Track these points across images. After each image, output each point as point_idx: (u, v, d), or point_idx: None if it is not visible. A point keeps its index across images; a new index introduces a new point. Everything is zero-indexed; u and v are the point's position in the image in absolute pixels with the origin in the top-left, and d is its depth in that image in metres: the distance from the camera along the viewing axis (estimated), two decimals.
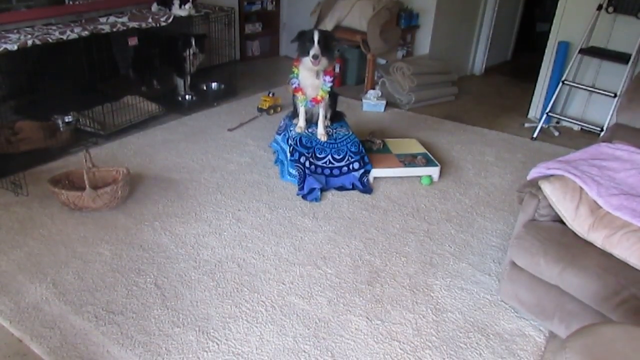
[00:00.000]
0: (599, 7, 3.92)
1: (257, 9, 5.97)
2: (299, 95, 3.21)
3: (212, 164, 3.46)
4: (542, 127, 4.20)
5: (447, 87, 5.06)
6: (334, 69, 3.16)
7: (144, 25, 3.89)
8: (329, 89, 3.19)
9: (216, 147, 3.70)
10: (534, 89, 4.66)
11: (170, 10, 4.20)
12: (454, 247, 2.68)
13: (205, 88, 4.73)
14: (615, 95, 3.84)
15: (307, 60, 3.04)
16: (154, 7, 4.29)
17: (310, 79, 3.13)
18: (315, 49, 2.96)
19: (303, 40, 3.05)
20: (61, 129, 3.59)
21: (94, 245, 2.58)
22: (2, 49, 3.06)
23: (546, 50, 4.47)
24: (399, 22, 4.95)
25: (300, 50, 3.06)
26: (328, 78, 3.15)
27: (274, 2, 6.09)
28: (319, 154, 3.19)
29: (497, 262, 2.58)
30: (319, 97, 3.19)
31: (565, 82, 4.13)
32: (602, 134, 3.77)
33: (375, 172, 3.28)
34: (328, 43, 3.03)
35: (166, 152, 3.62)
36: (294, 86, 3.22)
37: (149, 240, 2.64)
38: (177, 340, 2.02)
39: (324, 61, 3.05)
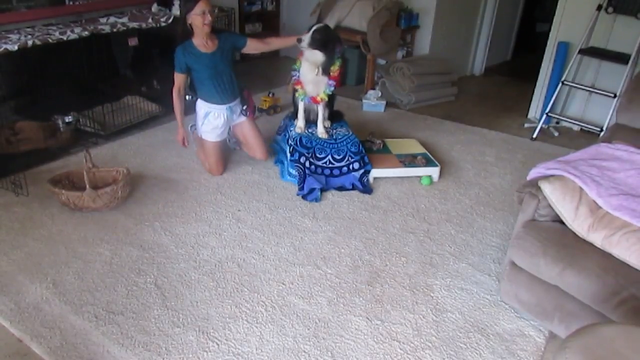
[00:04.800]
0: (599, 8, 3.92)
1: (257, 9, 5.97)
2: (299, 88, 3.22)
3: None
4: (542, 128, 4.20)
5: (447, 88, 5.06)
6: (339, 75, 3.17)
7: (144, 25, 3.89)
8: (330, 93, 3.20)
9: None
10: (534, 89, 4.66)
11: (170, 10, 4.21)
12: (454, 247, 2.68)
13: None
14: (615, 96, 3.83)
15: (304, 51, 3.05)
16: (154, 7, 4.29)
17: (310, 73, 3.14)
18: (304, 36, 2.98)
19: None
20: (61, 129, 3.59)
21: (94, 245, 2.58)
22: (2, 49, 3.06)
23: (546, 51, 4.47)
24: (399, 22, 4.95)
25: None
26: (331, 82, 3.17)
27: (274, 2, 6.09)
28: (319, 154, 3.19)
29: (497, 262, 2.58)
30: (318, 98, 3.20)
31: (565, 82, 4.13)
32: (601, 134, 3.77)
33: (375, 172, 3.28)
34: (327, 39, 3.03)
35: (166, 152, 3.62)
36: (294, 79, 3.24)
37: (149, 240, 2.64)
38: (177, 340, 2.03)
39: (317, 55, 3.04)
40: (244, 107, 3.27)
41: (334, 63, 3.14)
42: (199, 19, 2.95)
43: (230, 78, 3.17)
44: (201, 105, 3.21)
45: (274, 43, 3.38)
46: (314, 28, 3.01)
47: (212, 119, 3.19)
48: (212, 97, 3.16)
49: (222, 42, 3.11)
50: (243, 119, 3.31)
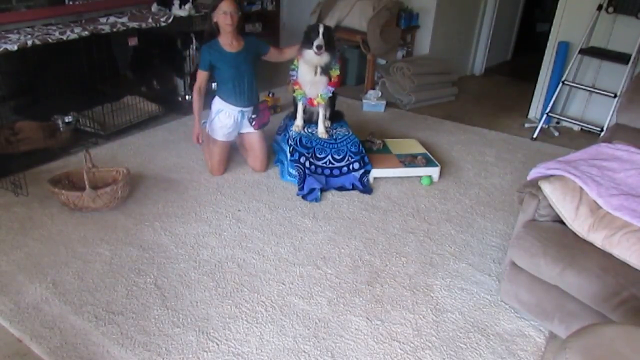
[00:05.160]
0: (599, 7, 3.92)
1: (257, 9, 5.96)
2: (297, 88, 3.23)
3: None
4: (542, 127, 4.20)
5: (447, 88, 5.06)
6: (339, 80, 3.20)
7: (144, 25, 3.89)
8: (327, 97, 3.21)
9: None
10: (534, 89, 4.66)
11: (170, 10, 4.20)
12: (454, 248, 2.68)
13: None
14: (615, 96, 3.84)
15: (308, 53, 3.05)
16: (154, 7, 4.28)
17: (309, 74, 3.14)
18: (319, 40, 2.98)
19: (308, 32, 3.06)
20: (61, 129, 3.59)
21: (94, 245, 2.58)
22: (2, 49, 3.05)
23: (546, 51, 4.47)
24: (399, 22, 4.94)
25: (305, 42, 3.07)
26: (330, 88, 3.19)
27: (274, 2, 6.09)
28: (319, 154, 3.19)
29: (497, 262, 2.58)
30: (315, 102, 3.21)
31: (565, 82, 4.13)
32: (602, 134, 3.77)
33: (375, 172, 3.28)
34: (331, 38, 3.05)
35: (166, 152, 3.62)
36: (293, 79, 3.24)
37: (149, 240, 2.64)
38: (177, 340, 2.02)
39: (325, 56, 3.05)
40: (253, 116, 3.29)
41: (333, 68, 3.15)
42: (221, 19, 3.02)
43: (250, 82, 3.21)
44: (216, 102, 3.26)
45: (287, 53, 3.42)
46: (321, 31, 2.99)
47: (222, 117, 3.22)
48: (229, 97, 3.20)
49: (247, 45, 3.16)
50: (252, 129, 3.33)
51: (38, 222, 2.75)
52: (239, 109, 3.23)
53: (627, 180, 2.09)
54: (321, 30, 3.00)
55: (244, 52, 3.15)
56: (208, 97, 3.32)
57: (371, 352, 2.01)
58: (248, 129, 3.33)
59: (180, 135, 3.88)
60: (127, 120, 3.91)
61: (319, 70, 3.11)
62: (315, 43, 2.98)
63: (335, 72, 3.17)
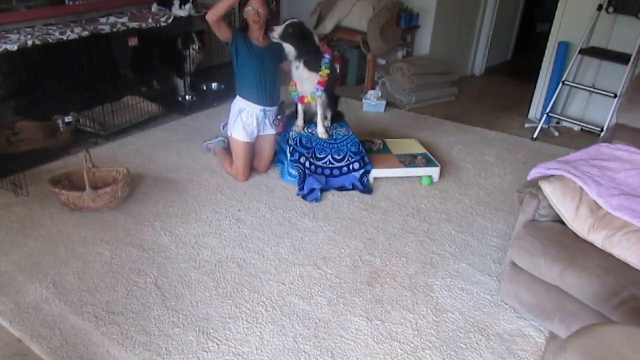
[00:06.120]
0: (599, 7, 3.92)
1: None
2: (292, 85, 3.25)
3: (212, 164, 3.46)
4: (542, 128, 4.20)
5: (447, 87, 5.06)
6: (327, 80, 3.18)
7: (144, 25, 3.89)
8: (317, 97, 3.19)
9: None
10: (534, 89, 4.66)
11: (170, 10, 4.21)
12: (454, 248, 2.68)
13: (205, 88, 4.73)
14: (616, 96, 3.83)
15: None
16: (154, 7, 4.29)
17: (294, 70, 3.15)
18: (278, 27, 3.01)
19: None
20: (61, 129, 3.59)
21: (94, 245, 2.58)
22: (2, 49, 3.06)
23: (546, 51, 4.47)
24: (399, 22, 4.94)
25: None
26: (319, 87, 3.17)
27: (274, 2, 6.09)
28: (319, 154, 3.19)
29: (497, 262, 2.58)
30: (305, 100, 3.21)
31: (565, 82, 4.13)
32: (602, 134, 3.77)
33: (375, 172, 3.28)
34: (300, 36, 3.03)
35: (166, 152, 3.62)
36: (291, 76, 3.25)
37: (149, 240, 2.64)
38: (177, 340, 2.02)
39: (289, 48, 3.05)
40: (279, 117, 3.29)
41: (322, 67, 3.12)
42: (249, 15, 3.08)
43: (272, 80, 3.21)
44: (237, 103, 3.25)
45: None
46: (287, 22, 3.03)
47: (244, 116, 3.21)
48: (250, 94, 3.18)
49: (272, 44, 3.15)
50: (270, 131, 3.32)
51: (38, 222, 2.75)
52: (261, 107, 3.21)
53: (627, 181, 2.09)
54: (287, 22, 3.04)
55: (270, 49, 3.15)
56: (229, 98, 3.30)
57: (371, 352, 2.01)
58: (267, 130, 3.32)
59: (180, 135, 3.88)
60: (127, 120, 3.91)
61: (301, 64, 3.09)
62: (273, 27, 3.04)
63: (324, 72, 3.15)
